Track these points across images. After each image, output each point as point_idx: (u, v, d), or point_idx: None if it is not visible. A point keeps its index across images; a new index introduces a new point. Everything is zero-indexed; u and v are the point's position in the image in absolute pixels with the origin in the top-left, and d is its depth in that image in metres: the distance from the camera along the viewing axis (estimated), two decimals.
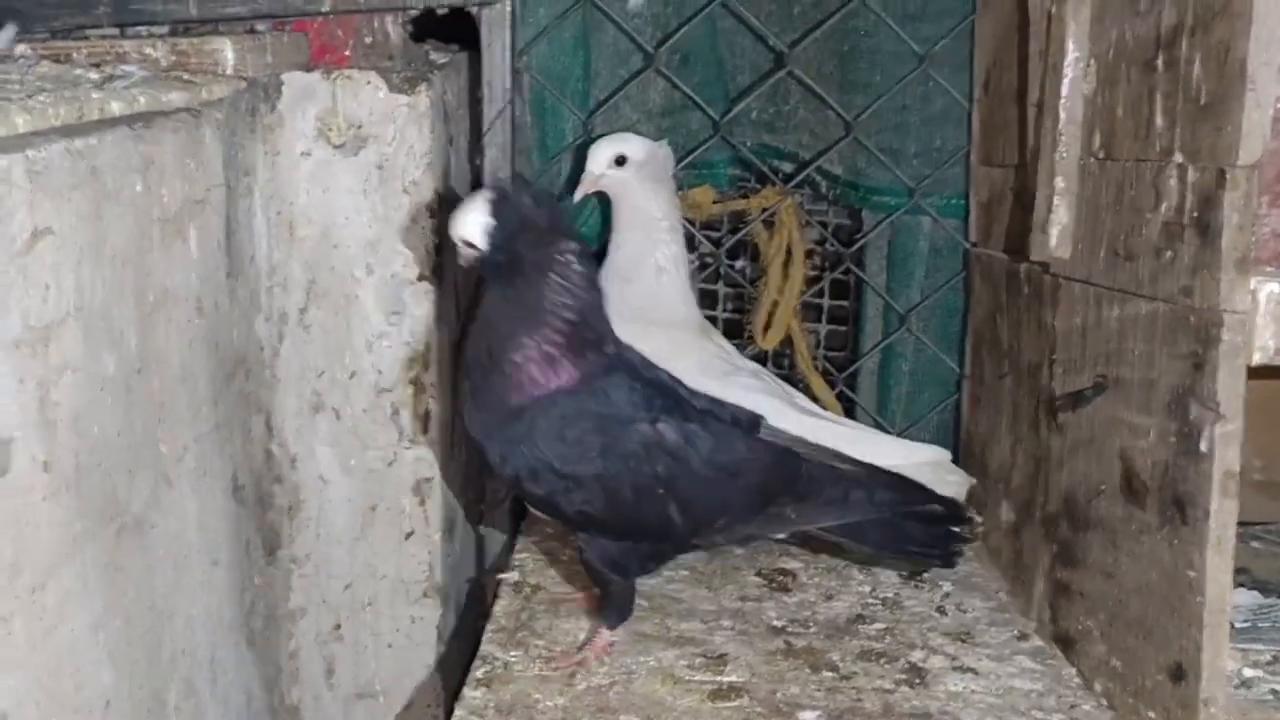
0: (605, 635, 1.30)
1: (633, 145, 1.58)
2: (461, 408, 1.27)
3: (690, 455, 1.24)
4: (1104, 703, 1.22)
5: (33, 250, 0.90)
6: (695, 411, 1.27)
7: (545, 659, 1.29)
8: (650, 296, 1.56)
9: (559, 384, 1.21)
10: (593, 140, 1.63)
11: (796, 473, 1.31)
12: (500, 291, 1.22)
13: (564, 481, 1.22)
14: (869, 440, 1.55)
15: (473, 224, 1.20)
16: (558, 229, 1.21)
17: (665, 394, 1.27)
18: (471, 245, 1.21)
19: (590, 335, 1.23)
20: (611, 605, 1.31)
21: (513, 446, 1.22)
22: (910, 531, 1.41)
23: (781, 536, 1.49)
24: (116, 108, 1.10)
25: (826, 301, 1.92)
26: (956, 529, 1.43)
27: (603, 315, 1.25)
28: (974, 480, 1.58)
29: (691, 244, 1.87)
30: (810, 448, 1.36)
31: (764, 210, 1.81)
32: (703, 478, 1.25)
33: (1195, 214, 1.05)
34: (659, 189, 1.58)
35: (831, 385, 1.84)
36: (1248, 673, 1.18)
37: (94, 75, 1.19)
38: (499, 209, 1.20)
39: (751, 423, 1.32)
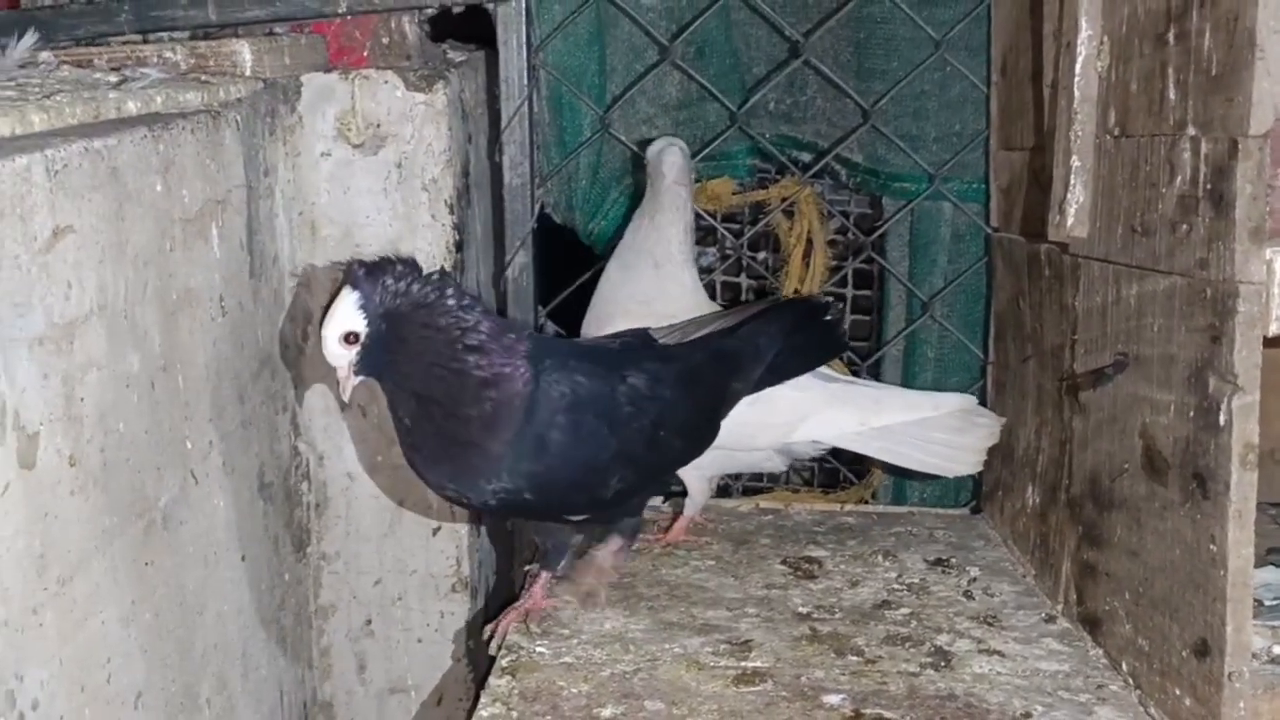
0: (617, 540, 1.40)
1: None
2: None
3: (663, 390, 1.30)
4: (1130, 682, 1.21)
5: (54, 248, 0.92)
6: (619, 354, 1.32)
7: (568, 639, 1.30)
8: (653, 288, 1.57)
9: (519, 390, 1.19)
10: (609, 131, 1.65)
11: (724, 353, 1.38)
12: (401, 379, 1.19)
13: (597, 475, 1.26)
14: (896, 396, 1.59)
15: (347, 309, 1.15)
16: (417, 279, 1.17)
17: (604, 355, 1.31)
18: (354, 338, 1.16)
19: (506, 340, 1.20)
20: (626, 535, 1.40)
21: (534, 478, 1.22)
22: (797, 343, 1.45)
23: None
24: (133, 107, 1.12)
25: (850, 291, 1.91)
26: (827, 317, 1.52)
27: (495, 319, 1.23)
28: (1004, 419, 1.58)
29: (713, 236, 1.88)
30: (700, 325, 1.43)
31: (784, 200, 1.81)
32: (680, 402, 1.32)
33: (1209, 186, 1.04)
34: (663, 187, 1.59)
35: (856, 375, 1.83)
36: (1278, 650, 1.17)
37: (112, 78, 1.21)
38: (361, 284, 1.16)
39: (647, 338, 1.38)
